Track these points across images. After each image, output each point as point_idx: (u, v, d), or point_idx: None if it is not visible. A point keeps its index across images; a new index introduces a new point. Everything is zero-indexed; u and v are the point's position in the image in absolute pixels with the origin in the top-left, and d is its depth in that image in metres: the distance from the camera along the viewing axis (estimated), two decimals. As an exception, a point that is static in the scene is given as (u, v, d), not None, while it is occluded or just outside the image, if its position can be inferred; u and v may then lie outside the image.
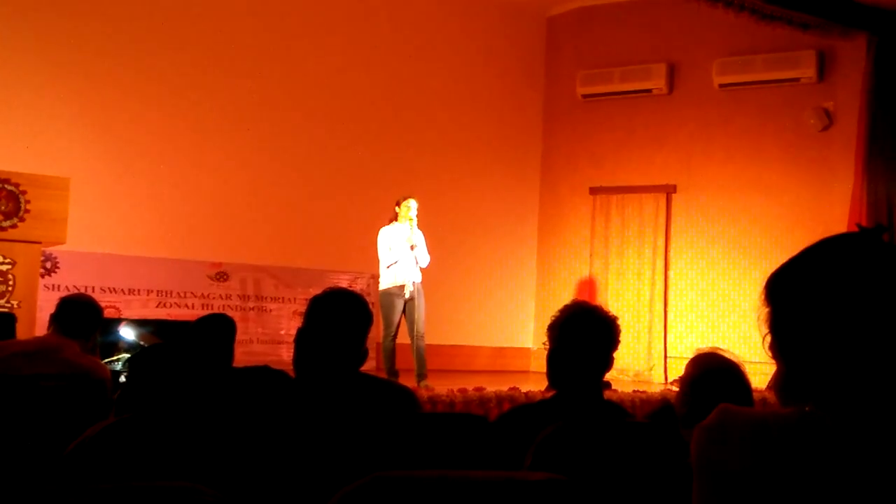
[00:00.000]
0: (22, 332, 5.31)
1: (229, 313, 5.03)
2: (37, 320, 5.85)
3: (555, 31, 11.30)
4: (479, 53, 10.79)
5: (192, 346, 2.79)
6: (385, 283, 7.55)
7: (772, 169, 9.82)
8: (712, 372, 2.81)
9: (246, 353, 7.74)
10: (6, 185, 5.86)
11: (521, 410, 2.91)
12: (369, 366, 9.75)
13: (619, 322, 2.90)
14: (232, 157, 9.36)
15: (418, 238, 7.57)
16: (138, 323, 6.85)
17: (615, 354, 2.86)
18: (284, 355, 8.44)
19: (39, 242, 6.12)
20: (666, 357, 10.11)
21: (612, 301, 10.13)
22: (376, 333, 9.95)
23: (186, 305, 8.91)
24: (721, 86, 10.06)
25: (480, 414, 5.85)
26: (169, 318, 8.27)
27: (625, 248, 10.46)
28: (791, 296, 1.26)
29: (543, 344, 2.89)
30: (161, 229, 8.87)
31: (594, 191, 10.73)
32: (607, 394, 2.91)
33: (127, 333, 6.43)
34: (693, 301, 10.17)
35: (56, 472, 2.12)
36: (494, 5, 10.74)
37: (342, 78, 9.96)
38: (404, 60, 10.31)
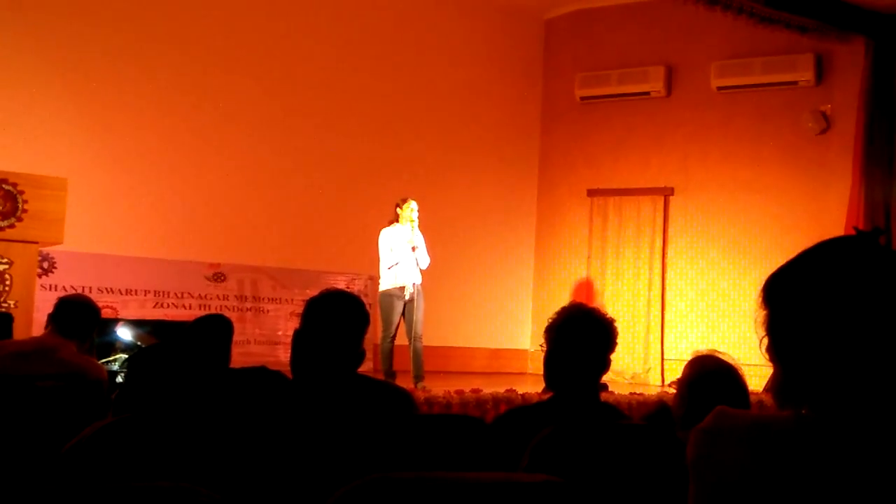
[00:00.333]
0: (19, 332, 5.31)
1: (226, 314, 5.02)
2: (34, 320, 5.85)
3: (553, 33, 11.31)
4: (478, 55, 10.80)
5: (189, 347, 2.78)
6: (385, 284, 7.54)
7: (769, 172, 9.83)
8: (709, 374, 2.81)
9: (243, 353, 7.74)
10: (4, 185, 5.86)
11: (518, 412, 2.91)
12: (366, 367, 9.74)
13: (617, 324, 2.90)
14: (230, 158, 9.36)
15: (419, 239, 7.57)
16: (135, 323, 6.85)
17: (612, 356, 2.86)
18: (281, 356, 8.44)
19: (37, 242, 6.12)
20: (663, 359, 10.11)
21: (610, 303, 10.13)
22: (374, 335, 9.98)
23: (184, 306, 8.91)
24: (719, 88, 10.07)
25: (477, 416, 5.85)
26: (166, 319, 8.27)
27: (622, 251, 10.47)
28: (788, 299, 1.27)
29: (540, 346, 2.89)
30: (158, 230, 8.86)
31: (592, 193, 10.73)
32: (604, 396, 2.91)
33: (124, 334, 6.43)
34: (690, 303, 10.17)
35: (53, 471, 2.12)
36: (493, 7, 10.75)
37: (340, 79, 9.96)
38: (402, 62, 10.31)
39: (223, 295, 9.21)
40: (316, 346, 2.72)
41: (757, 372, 3.80)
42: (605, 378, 2.90)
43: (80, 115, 8.63)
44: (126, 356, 5.92)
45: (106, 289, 8.46)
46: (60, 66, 8.57)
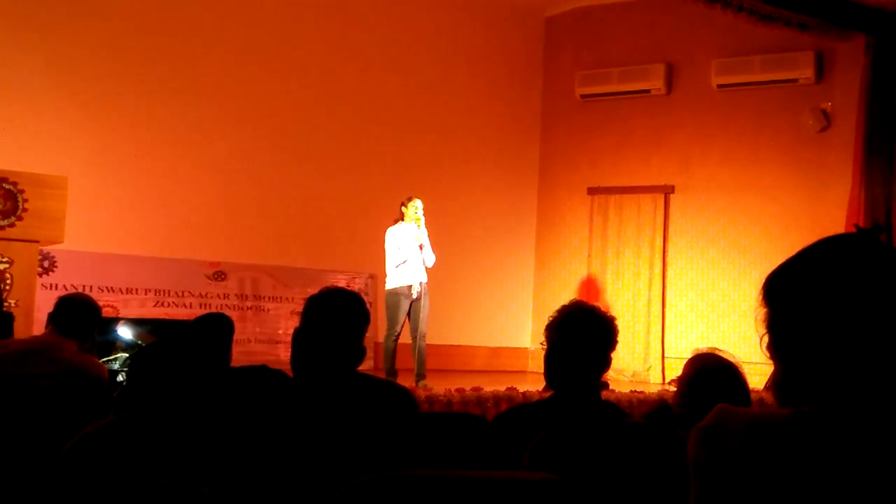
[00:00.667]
0: (19, 332, 5.31)
1: (227, 313, 5.02)
2: (34, 319, 5.85)
3: (553, 31, 11.30)
4: (478, 53, 10.79)
5: (189, 346, 2.78)
6: (392, 282, 7.53)
7: (770, 170, 9.82)
8: (710, 372, 2.81)
9: (244, 352, 7.74)
10: (4, 184, 5.86)
11: (519, 410, 2.91)
12: (367, 365, 9.74)
13: (618, 322, 2.90)
14: (230, 157, 9.36)
15: (424, 238, 7.57)
16: (136, 322, 6.85)
17: (613, 354, 2.86)
18: (282, 355, 8.45)
19: (37, 241, 6.12)
20: (664, 357, 10.12)
21: (610, 301, 10.13)
22: (374, 333, 9.99)
23: (184, 305, 8.91)
24: (719, 86, 10.07)
25: (478, 414, 5.85)
26: (167, 318, 8.27)
27: (623, 249, 10.46)
28: (788, 296, 1.27)
29: (541, 344, 2.89)
30: (159, 228, 8.86)
31: (592, 191, 10.73)
32: (604, 394, 2.91)
33: (125, 333, 6.43)
34: (691, 301, 10.17)
35: (54, 470, 2.12)
36: (493, 5, 10.74)
37: (340, 78, 9.96)
38: (403, 60, 10.31)
39: (224, 294, 9.21)
40: (316, 344, 2.72)
41: (757, 370, 3.80)
42: (606, 376, 2.90)
43: (81, 113, 8.63)
44: (127, 355, 5.92)
45: (106, 288, 8.46)
46: (60, 65, 8.57)
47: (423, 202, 7.70)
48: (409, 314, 7.49)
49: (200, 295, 9.09)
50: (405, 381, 6.55)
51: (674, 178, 10.35)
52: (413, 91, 10.37)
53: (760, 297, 1.30)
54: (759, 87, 9.88)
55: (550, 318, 2.87)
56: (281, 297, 9.39)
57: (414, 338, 7.47)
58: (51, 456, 2.19)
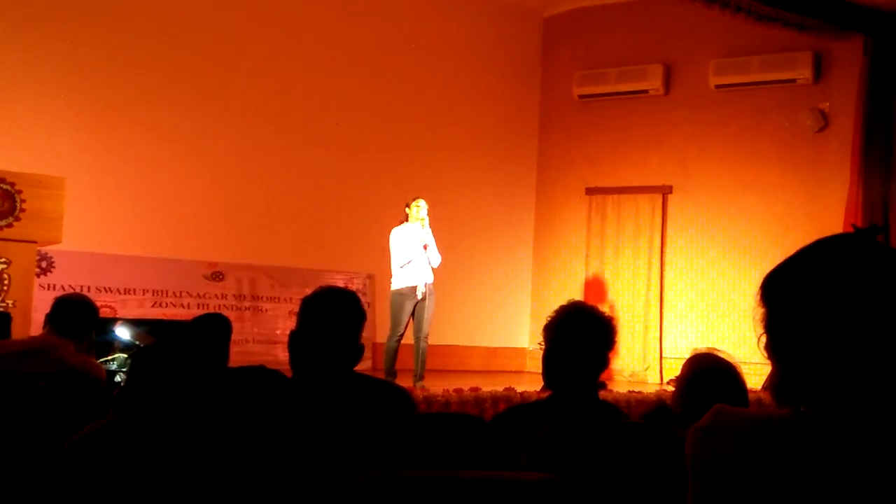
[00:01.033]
0: (17, 332, 5.31)
1: (225, 313, 5.01)
2: (32, 320, 5.84)
3: (551, 31, 11.31)
4: (476, 54, 10.79)
5: (187, 346, 2.78)
6: (397, 283, 7.52)
7: (768, 170, 9.83)
8: (708, 372, 2.82)
9: (241, 352, 7.73)
10: (1, 185, 5.86)
11: (517, 410, 2.91)
12: (365, 365, 9.73)
13: (616, 322, 2.90)
14: (228, 157, 9.36)
15: (429, 238, 7.56)
16: (134, 322, 6.84)
17: (611, 355, 2.86)
18: (280, 355, 8.44)
19: (35, 242, 6.11)
20: (661, 357, 10.12)
21: (609, 301, 10.14)
22: (371, 333, 9.99)
23: (182, 305, 8.91)
24: (717, 87, 10.07)
25: (476, 414, 5.85)
26: (164, 318, 8.27)
27: (621, 249, 10.47)
28: (786, 296, 1.27)
29: (539, 344, 2.89)
30: (157, 229, 8.86)
31: (590, 191, 10.73)
32: (602, 394, 2.91)
33: (122, 333, 6.42)
34: (689, 301, 10.18)
35: (52, 471, 2.12)
36: (491, 6, 10.75)
37: (338, 78, 9.96)
38: (400, 60, 10.31)
39: (221, 294, 9.21)
40: (313, 344, 2.72)
41: (756, 370, 3.80)
42: (604, 376, 2.90)
43: (78, 114, 8.63)
44: (125, 356, 5.91)
45: (104, 288, 8.46)
46: (58, 65, 8.56)
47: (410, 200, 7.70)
48: (413, 315, 7.47)
49: (198, 295, 9.09)
50: (403, 381, 6.55)
51: (672, 178, 10.35)
52: (412, 91, 10.37)
53: (758, 297, 1.30)
54: (757, 88, 9.89)
55: (549, 319, 2.87)
56: (279, 298, 9.39)
57: (417, 338, 7.47)
58: (49, 456, 2.19)
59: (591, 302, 9.37)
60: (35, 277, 6.32)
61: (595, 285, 10.50)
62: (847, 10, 8.94)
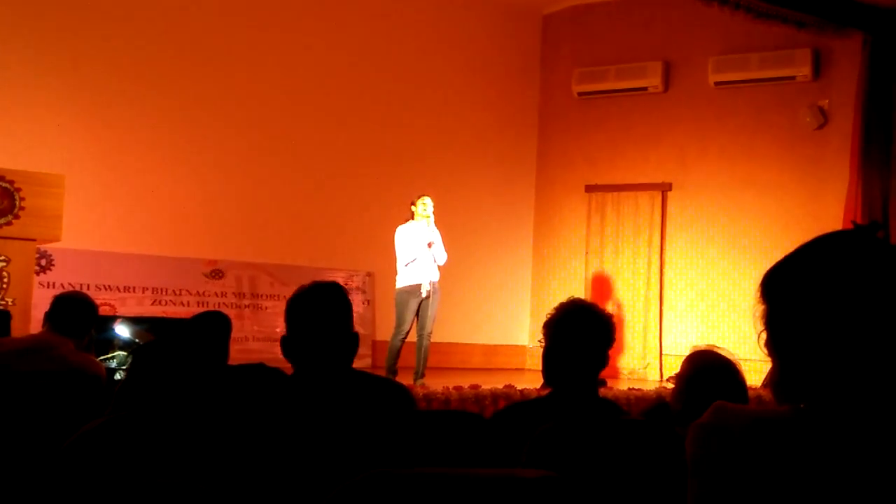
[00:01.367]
0: (17, 330, 5.31)
1: (225, 311, 5.01)
2: (32, 318, 5.84)
3: (550, 28, 11.30)
4: (475, 51, 10.79)
5: (187, 344, 2.78)
6: (402, 281, 7.50)
7: (767, 167, 9.83)
8: (708, 369, 2.82)
9: (241, 350, 7.74)
10: (1, 183, 5.85)
11: (517, 408, 2.91)
12: (365, 363, 9.71)
13: (615, 320, 2.90)
14: (228, 155, 9.35)
15: (435, 236, 7.55)
16: (133, 320, 6.84)
17: (611, 352, 2.86)
18: (280, 353, 8.43)
19: (34, 240, 6.11)
20: (661, 354, 10.13)
21: (609, 299, 10.15)
22: (371, 331, 9.99)
23: (182, 303, 8.91)
24: (716, 84, 10.07)
25: (476, 412, 5.85)
26: (164, 316, 8.27)
27: (620, 246, 10.48)
28: (786, 293, 1.27)
29: (539, 341, 2.88)
30: (156, 227, 8.85)
31: (590, 188, 10.74)
32: (602, 391, 2.90)
33: (122, 331, 6.42)
34: (689, 298, 10.18)
35: (53, 468, 2.12)
36: (490, 4, 10.74)
37: (337, 76, 9.95)
38: (400, 58, 10.31)
39: (221, 292, 9.21)
40: (307, 344, 2.70)
41: (755, 367, 3.81)
42: (604, 373, 2.89)
43: (77, 111, 8.62)
44: (124, 354, 5.92)
45: (104, 286, 8.45)
46: (57, 64, 8.56)
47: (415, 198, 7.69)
48: (417, 313, 7.47)
49: (198, 293, 9.09)
50: (404, 379, 6.55)
51: (671, 176, 10.36)
52: (411, 89, 10.37)
53: (758, 293, 1.30)
54: (756, 85, 9.89)
55: (548, 316, 2.86)
56: (279, 295, 9.38)
57: (420, 336, 7.46)
58: (49, 453, 2.19)
59: (596, 300, 9.41)
60: (34, 275, 6.32)
61: (600, 283, 10.51)
62: (846, 6, 8.94)
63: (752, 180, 9.89)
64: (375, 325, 10.07)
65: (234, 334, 4.41)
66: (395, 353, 7.43)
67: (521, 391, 6.63)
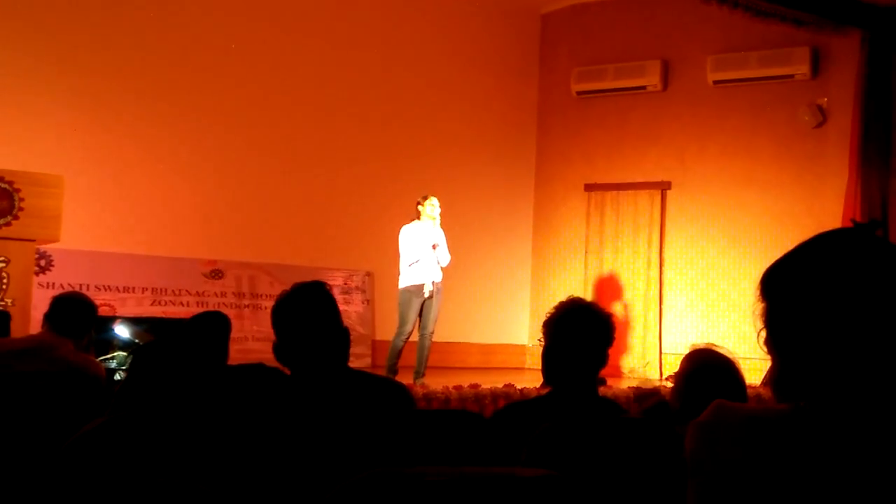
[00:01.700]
0: (16, 331, 5.31)
1: (224, 311, 5.01)
2: (31, 318, 5.84)
3: (549, 27, 11.30)
4: (474, 50, 10.79)
5: (186, 344, 2.78)
6: (405, 281, 7.48)
7: (766, 165, 9.84)
8: (707, 368, 2.82)
9: (241, 350, 7.71)
10: (0, 183, 5.85)
11: (517, 407, 2.91)
12: (364, 363, 9.69)
13: (617, 318, 2.90)
14: (227, 155, 9.34)
15: (440, 237, 7.54)
16: (133, 321, 6.84)
17: (611, 351, 2.86)
18: (279, 353, 8.42)
19: (33, 240, 6.11)
20: (661, 353, 10.13)
21: (608, 298, 10.14)
22: (370, 330, 9.98)
23: (181, 303, 8.91)
24: (715, 82, 10.07)
25: (475, 411, 5.86)
26: (164, 316, 8.27)
27: (619, 245, 10.48)
28: (786, 291, 1.27)
29: (539, 340, 2.88)
30: (155, 227, 8.85)
31: (589, 187, 10.74)
32: (602, 390, 2.90)
33: (122, 331, 6.43)
34: (688, 297, 10.18)
35: (53, 468, 2.12)
36: (489, 2, 10.73)
37: (336, 75, 9.95)
38: (399, 58, 10.30)
39: (221, 292, 9.21)
40: (299, 347, 2.68)
41: (755, 366, 3.81)
42: (603, 372, 2.90)
43: (77, 112, 8.61)
44: (124, 354, 5.92)
45: (103, 286, 8.45)
46: (56, 64, 8.55)
47: (421, 199, 7.68)
48: (420, 312, 7.46)
49: (197, 293, 9.08)
50: (404, 378, 6.55)
51: (670, 174, 10.36)
52: (410, 88, 10.36)
53: (758, 292, 1.30)
54: (755, 83, 9.89)
55: (548, 315, 2.86)
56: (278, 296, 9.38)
57: (421, 335, 7.46)
58: (50, 454, 2.19)
59: (596, 299, 9.42)
60: (34, 276, 6.32)
61: (600, 282, 10.52)
62: (845, 4, 8.95)
63: (751, 179, 9.89)
64: (375, 324, 10.07)
65: (233, 334, 4.41)
66: (397, 353, 7.43)
67: (521, 390, 6.63)
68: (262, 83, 9.54)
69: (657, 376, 9.78)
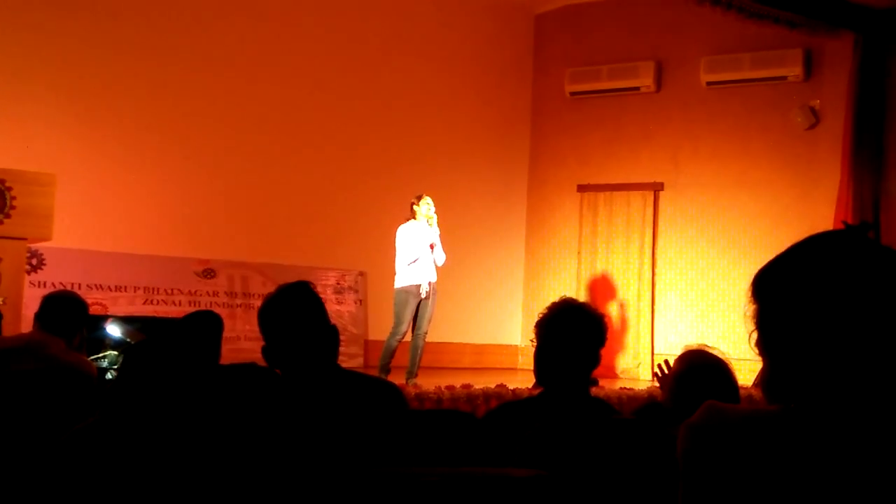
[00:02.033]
0: (8, 330, 5.28)
1: (217, 310, 5.01)
2: (23, 317, 5.82)
3: (543, 28, 11.31)
4: (467, 51, 10.79)
5: (179, 343, 2.77)
6: (402, 281, 7.44)
7: (759, 167, 9.86)
8: (699, 368, 2.82)
9: (233, 350, 7.69)
10: (-9, 182, 5.84)
11: (509, 407, 2.91)
12: (356, 362, 9.66)
13: (609, 319, 2.90)
14: (220, 154, 9.32)
15: (436, 237, 7.52)
16: (125, 320, 6.82)
17: (603, 351, 2.86)
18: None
19: (25, 239, 6.09)
20: (653, 354, 10.14)
21: (601, 298, 10.16)
22: (363, 330, 9.98)
23: (173, 302, 8.89)
24: (708, 84, 10.09)
25: (468, 411, 5.85)
26: (156, 315, 8.25)
27: (612, 246, 10.49)
28: (777, 293, 1.27)
29: (531, 341, 2.89)
30: (148, 226, 8.83)
31: (582, 188, 10.75)
32: (594, 391, 2.90)
33: (113, 330, 6.40)
34: (680, 298, 10.20)
35: (44, 467, 2.12)
36: (482, 3, 10.74)
37: (330, 76, 9.94)
38: (392, 59, 10.29)
39: (213, 291, 9.19)
40: (287, 349, 2.67)
41: (747, 366, 3.81)
42: (595, 373, 2.90)
43: (69, 110, 8.58)
44: (116, 353, 5.90)
45: (95, 285, 8.43)
46: (49, 62, 8.52)
47: (415, 199, 7.67)
48: (416, 312, 7.44)
49: (190, 292, 9.07)
50: (396, 378, 6.54)
51: (663, 176, 10.37)
52: (403, 89, 10.36)
53: (749, 293, 1.31)
54: (748, 85, 9.91)
55: (540, 315, 2.86)
56: (270, 295, 9.36)
57: (415, 336, 7.44)
58: (40, 453, 2.19)
59: (589, 300, 9.43)
60: (25, 275, 6.31)
61: (593, 283, 10.53)
62: (838, 7, 8.97)
63: (743, 180, 9.91)
64: (368, 324, 10.06)
65: (225, 334, 4.40)
66: (391, 353, 7.41)
67: (513, 391, 6.63)
68: (255, 85, 9.51)
69: (649, 377, 9.79)
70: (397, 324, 7.42)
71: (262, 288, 9.33)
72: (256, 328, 2.74)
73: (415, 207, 7.55)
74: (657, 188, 10.39)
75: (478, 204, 10.79)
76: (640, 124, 10.50)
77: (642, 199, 10.41)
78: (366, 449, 2.38)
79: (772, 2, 8.75)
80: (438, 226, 7.60)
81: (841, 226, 1.32)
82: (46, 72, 8.51)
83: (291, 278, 2.82)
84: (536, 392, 2.92)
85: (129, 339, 6.16)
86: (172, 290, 8.98)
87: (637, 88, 10.47)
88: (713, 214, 10.08)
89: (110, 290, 8.59)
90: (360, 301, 10.11)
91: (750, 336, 1.30)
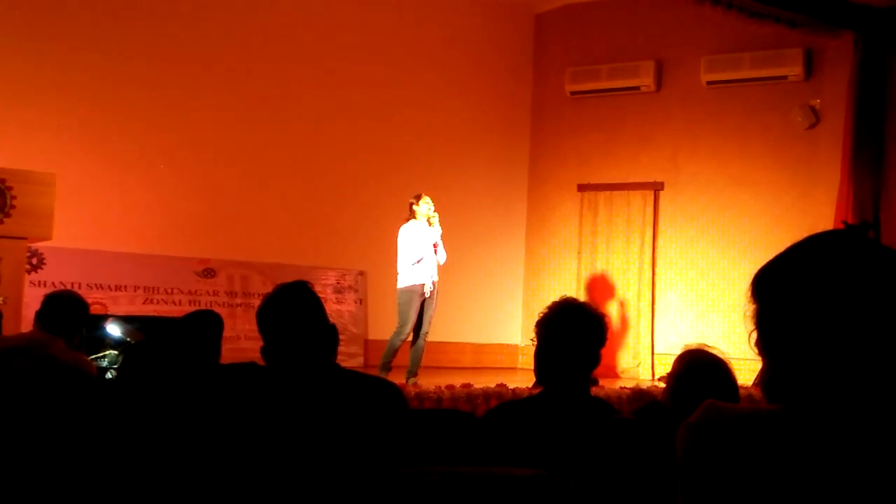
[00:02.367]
0: (8, 329, 5.29)
1: (217, 310, 5.01)
2: (23, 317, 5.82)
3: (543, 28, 11.31)
4: (468, 50, 10.79)
5: (179, 343, 2.77)
6: (406, 281, 7.41)
7: (759, 166, 9.86)
8: (699, 368, 2.82)
9: (233, 349, 7.69)
10: (-8, 181, 5.84)
11: (509, 407, 2.91)
12: (357, 362, 9.66)
13: (610, 318, 2.90)
14: (219, 154, 9.33)
15: (438, 236, 7.51)
16: (125, 319, 6.81)
17: (603, 351, 2.86)
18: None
19: (25, 238, 6.10)
20: (653, 353, 10.14)
21: (601, 298, 10.16)
22: (363, 330, 9.98)
23: (173, 302, 8.89)
24: (709, 83, 10.09)
25: (468, 410, 5.86)
26: (156, 315, 8.24)
27: (613, 245, 10.49)
28: (777, 292, 1.27)
29: (531, 340, 2.88)
30: (148, 225, 8.83)
31: (582, 188, 10.75)
32: (594, 390, 2.90)
33: (113, 330, 6.40)
34: (680, 297, 10.20)
35: (45, 466, 2.12)
36: (483, 2, 10.74)
37: (330, 75, 9.94)
38: (393, 57, 10.29)
39: (213, 290, 9.19)
40: (285, 348, 2.67)
41: (746, 366, 3.81)
42: (596, 372, 2.90)
43: (69, 110, 8.58)
44: (116, 352, 5.90)
45: (95, 285, 8.43)
46: (48, 61, 8.52)
47: (414, 199, 7.66)
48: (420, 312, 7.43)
49: (190, 292, 9.07)
50: (396, 378, 6.54)
51: (663, 175, 10.37)
52: (403, 88, 10.35)
53: (749, 293, 1.31)
54: (748, 84, 9.91)
55: (540, 315, 2.86)
56: (270, 294, 9.36)
57: (417, 335, 7.43)
58: (41, 451, 2.19)
59: (589, 299, 9.43)
60: (26, 274, 6.31)
61: (593, 282, 10.53)
62: (838, 6, 8.97)
63: (743, 180, 9.91)
64: (368, 324, 10.07)
65: (226, 333, 4.40)
66: (393, 352, 7.39)
67: (514, 390, 6.63)
68: (255, 83, 9.52)
69: (649, 377, 9.80)
70: (402, 324, 7.39)
71: (262, 288, 9.33)
72: (256, 328, 2.73)
73: (414, 207, 7.54)
74: (657, 188, 10.39)
75: (478, 203, 10.79)
76: (640, 124, 10.50)
77: (642, 199, 10.41)
78: (366, 448, 2.38)
79: (772, 1, 8.75)
80: (440, 224, 7.59)
81: (841, 226, 1.32)
82: (47, 72, 8.51)
83: (291, 278, 2.82)
84: (536, 392, 2.92)
85: (128, 339, 6.16)
86: (172, 289, 8.98)
87: (637, 88, 10.47)
88: (713, 214, 10.08)
89: (110, 289, 8.59)
90: (360, 301, 10.11)
91: (750, 336, 1.30)
